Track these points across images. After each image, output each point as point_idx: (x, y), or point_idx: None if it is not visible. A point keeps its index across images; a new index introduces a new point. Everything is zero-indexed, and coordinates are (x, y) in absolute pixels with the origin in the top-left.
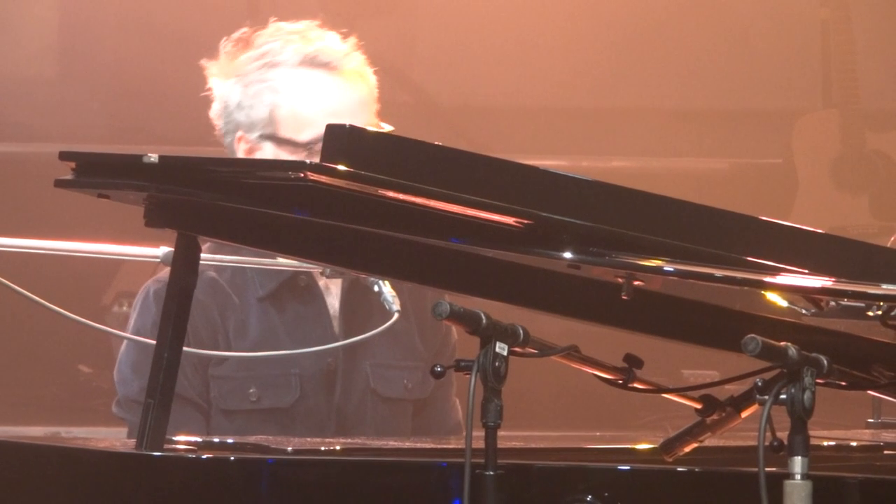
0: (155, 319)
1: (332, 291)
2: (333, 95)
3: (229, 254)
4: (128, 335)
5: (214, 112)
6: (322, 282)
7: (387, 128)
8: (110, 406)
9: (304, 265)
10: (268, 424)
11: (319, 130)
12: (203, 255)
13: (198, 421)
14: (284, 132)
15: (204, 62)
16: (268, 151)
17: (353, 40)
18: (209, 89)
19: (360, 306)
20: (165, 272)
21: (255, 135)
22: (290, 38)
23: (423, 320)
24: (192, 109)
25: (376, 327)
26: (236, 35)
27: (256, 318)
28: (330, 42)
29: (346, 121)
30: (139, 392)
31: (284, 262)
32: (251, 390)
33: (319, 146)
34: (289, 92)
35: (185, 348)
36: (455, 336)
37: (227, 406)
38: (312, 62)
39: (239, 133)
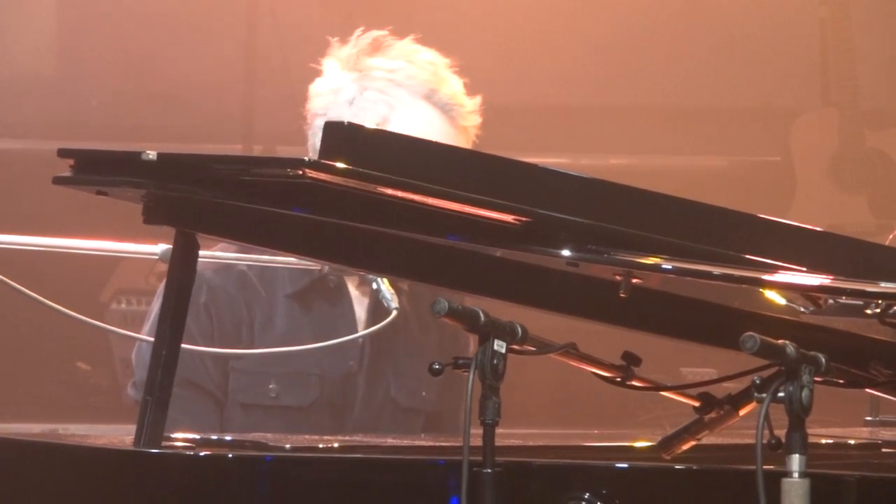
0: None
1: (361, 297)
2: (438, 139)
3: (251, 252)
4: (124, 332)
5: (317, 91)
6: (353, 286)
7: None
8: (109, 403)
9: (303, 263)
10: (284, 422)
11: None
12: (202, 253)
13: (213, 412)
14: None
15: (333, 40)
16: None
17: (479, 99)
18: (318, 61)
19: (387, 315)
20: None
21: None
22: (425, 66)
23: (443, 332)
24: (192, 107)
25: (401, 338)
26: (374, 34)
27: (282, 315)
28: (458, 89)
29: None
30: None
31: (285, 259)
32: (271, 386)
33: None
34: (403, 115)
35: (192, 346)
36: (473, 348)
37: (245, 400)
38: (435, 100)
39: None
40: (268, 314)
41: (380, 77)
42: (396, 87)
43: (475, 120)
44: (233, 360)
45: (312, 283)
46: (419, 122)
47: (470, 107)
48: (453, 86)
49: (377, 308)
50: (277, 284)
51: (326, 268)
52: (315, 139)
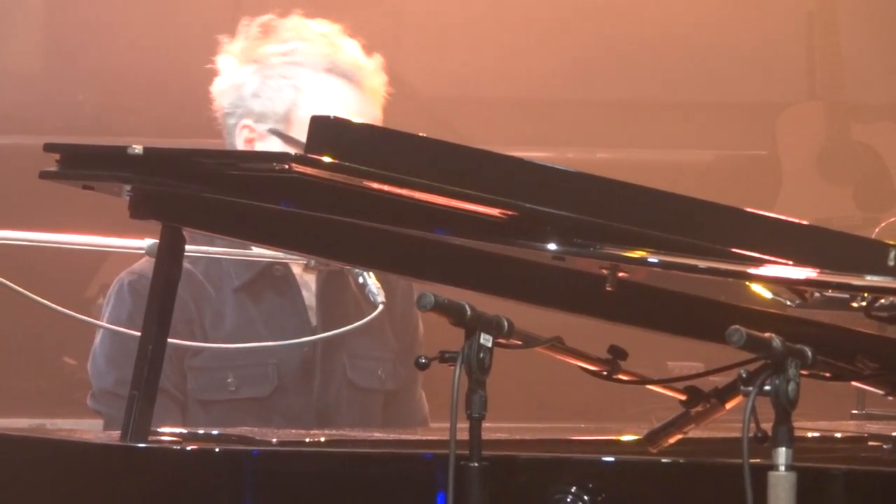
0: (130, 312)
1: (308, 283)
2: (351, 108)
3: (204, 244)
4: (112, 326)
5: (220, 90)
6: (298, 272)
7: None
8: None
9: (289, 256)
10: (245, 415)
11: None
12: (188, 247)
13: (173, 412)
14: (296, 133)
15: (223, 38)
16: (272, 145)
17: (380, 59)
18: (213, 60)
19: (337, 298)
20: (139, 264)
21: (264, 127)
22: (319, 39)
23: (393, 313)
24: (178, 101)
25: (352, 319)
26: (261, 20)
27: (232, 309)
28: (356, 53)
29: None
30: (115, 384)
31: (265, 253)
32: (229, 380)
33: None
34: (310, 95)
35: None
36: (422, 329)
37: (204, 397)
38: (338, 71)
39: (246, 121)
40: (217, 310)
41: (278, 63)
42: (297, 68)
43: (381, 78)
44: (188, 358)
45: (258, 274)
46: (327, 95)
47: (371, 66)
48: (351, 51)
49: (325, 292)
50: (224, 279)
51: (312, 262)
52: (232, 138)
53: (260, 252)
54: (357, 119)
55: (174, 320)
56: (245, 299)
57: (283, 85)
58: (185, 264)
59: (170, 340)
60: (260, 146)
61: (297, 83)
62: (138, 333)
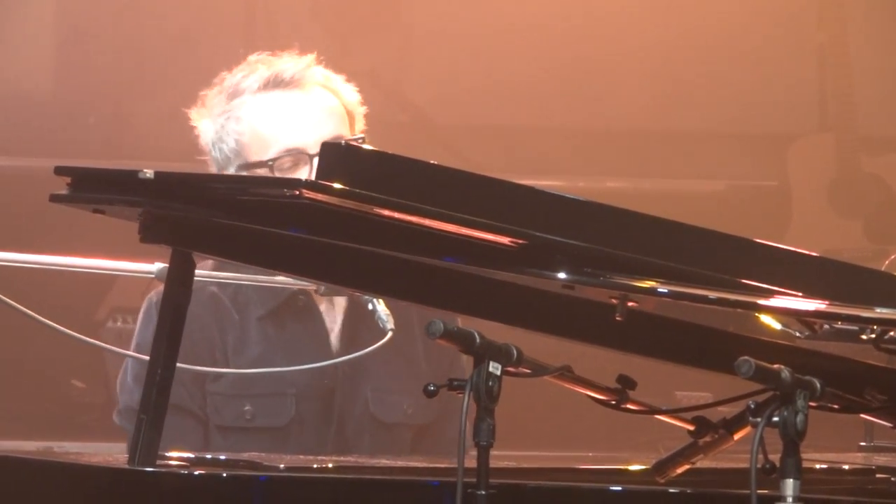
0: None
1: (332, 313)
2: (292, 110)
3: (229, 271)
4: (120, 350)
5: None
6: (322, 303)
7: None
8: (103, 421)
9: (299, 282)
10: (262, 443)
11: (281, 146)
12: (197, 272)
13: (197, 432)
14: (252, 157)
15: (232, 67)
16: None
17: (312, 56)
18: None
19: (362, 329)
20: None
21: (231, 169)
22: (255, 66)
23: (429, 345)
24: (189, 125)
25: (378, 352)
26: (215, 80)
27: (255, 337)
28: (287, 61)
29: (311, 131)
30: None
31: (280, 280)
32: (246, 408)
33: (282, 161)
34: (249, 118)
35: (180, 364)
36: (464, 359)
37: (222, 422)
38: (271, 84)
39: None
40: (241, 337)
41: (219, 101)
42: (235, 99)
43: (322, 72)
44: (208, 383)
45: (281, 304)
46: (266, 110)
47: (303, 64)
48: (285, 61)
49: (350, 322)
50: (249, 307)
51: (322, 288)
52: None
53: (272, 278)
54: (302, 117)
55: (197, 343)
56: (269, 328)
57: (226, 122)
58: (213, 288)
59: (188, 367)
60: None
61: (236, 114)
62: (146, 357)
